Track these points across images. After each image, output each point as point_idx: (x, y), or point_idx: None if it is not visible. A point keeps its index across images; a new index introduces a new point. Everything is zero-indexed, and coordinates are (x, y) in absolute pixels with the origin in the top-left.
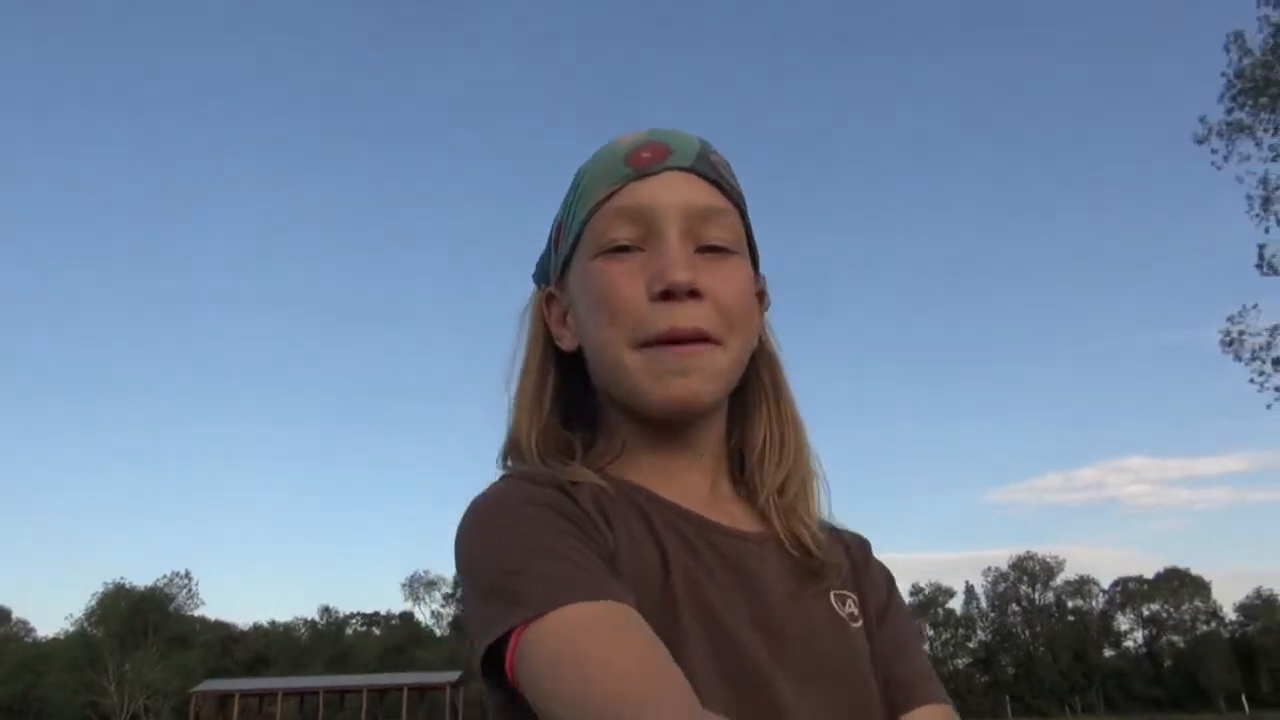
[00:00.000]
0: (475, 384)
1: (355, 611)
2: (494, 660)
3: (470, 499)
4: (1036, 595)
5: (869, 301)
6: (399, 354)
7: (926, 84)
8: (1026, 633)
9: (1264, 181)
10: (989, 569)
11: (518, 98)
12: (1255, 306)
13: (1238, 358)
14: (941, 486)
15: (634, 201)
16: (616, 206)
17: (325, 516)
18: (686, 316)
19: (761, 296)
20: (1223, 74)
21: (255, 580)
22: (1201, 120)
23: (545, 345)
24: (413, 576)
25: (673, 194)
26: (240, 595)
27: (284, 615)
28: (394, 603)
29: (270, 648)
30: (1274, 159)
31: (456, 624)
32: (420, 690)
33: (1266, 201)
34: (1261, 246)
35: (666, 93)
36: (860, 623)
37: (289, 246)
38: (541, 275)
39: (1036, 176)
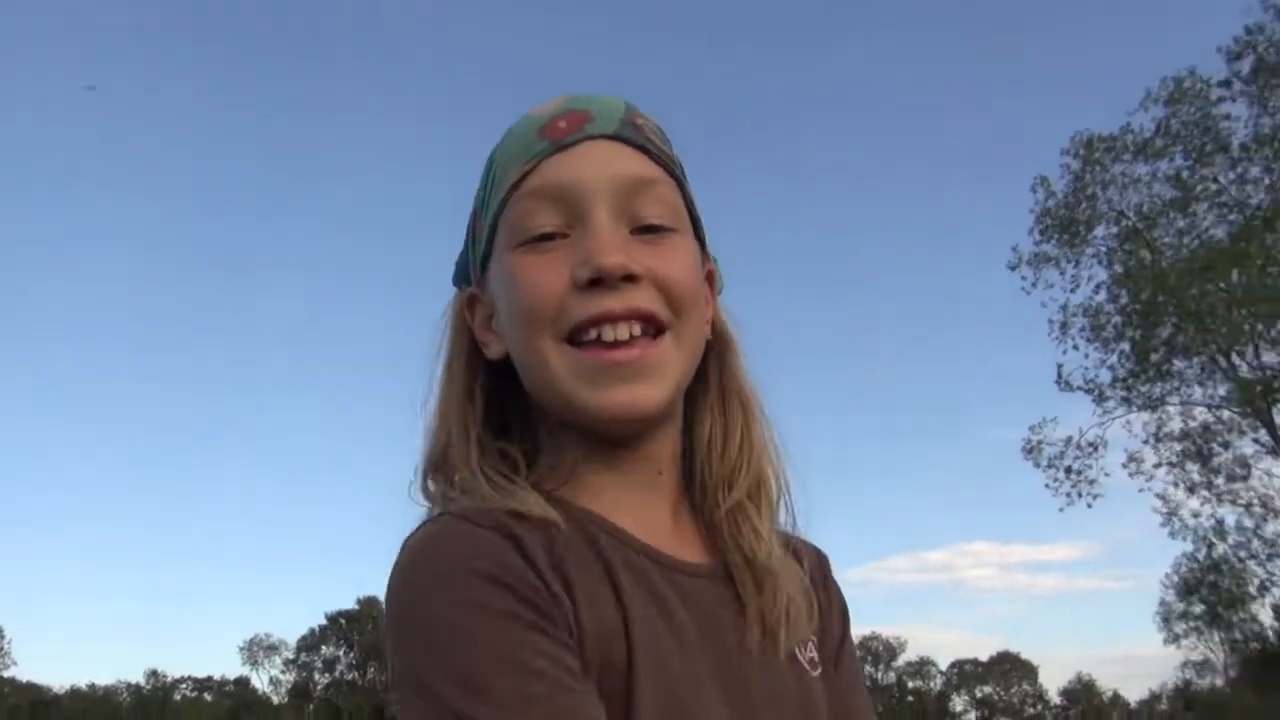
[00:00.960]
0: (330, 441)
1: (185, 675)
2: None
3: (404, 544)
4: (879, 675)
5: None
6: (239, 396)
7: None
8: None
9: (1064, 308)
10: None
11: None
12: (1054, 419)
13: (1036, 464)
14: None
15: (553, 180)
16: (533, 187)
17: (158, 574)
18: (620, 300)
19: (711, 278)
20: (1031, 210)
21: (76, 639)
22: (1014, 249)
23: (470, 353)
24: (252, 639)
25: (597, 167)
26: (58, 655)
27: (105, 678)
28: (230, 667)
29: (87, 713)
30: (1072, 290)
31: (296, 691)
32: None
33: (1064, 326)
34: (1059, 365)
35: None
36: (819, 670)
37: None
38: (461, 276)
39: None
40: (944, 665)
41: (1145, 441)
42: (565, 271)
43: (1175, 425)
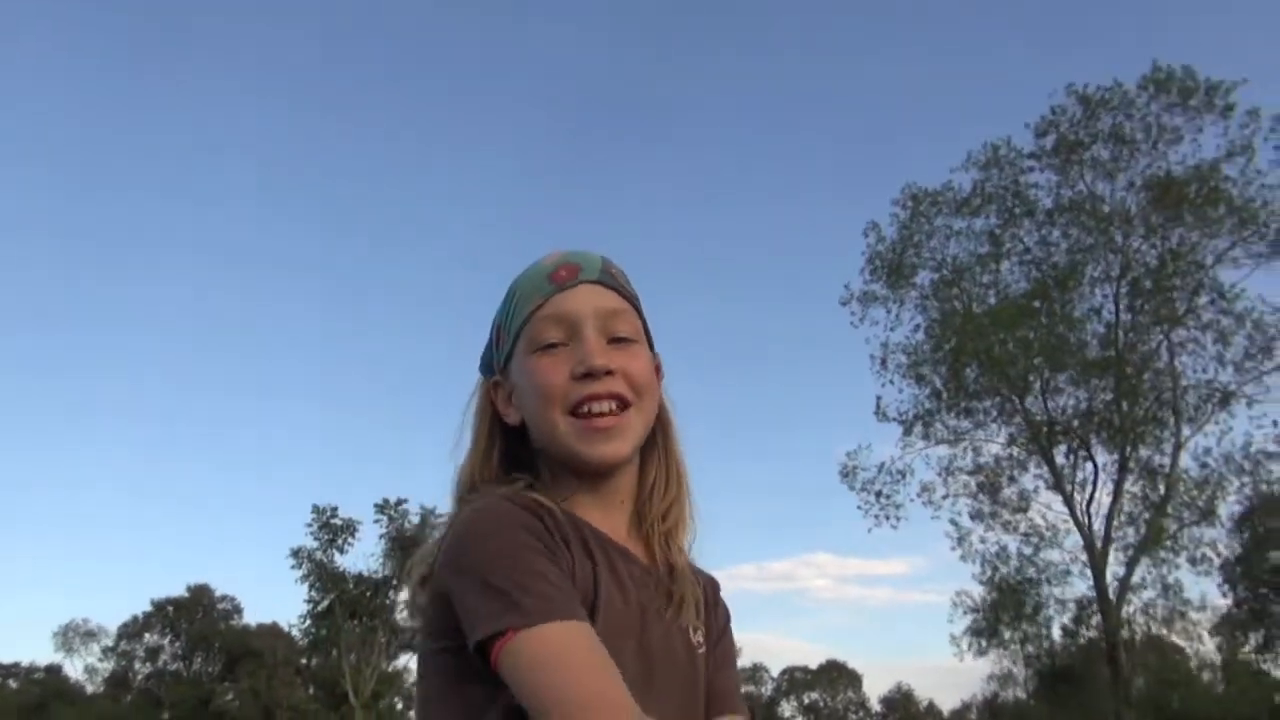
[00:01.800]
0: (167, 426)
1: None
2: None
3: (465, 511)
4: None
5: None
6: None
7: None
8: None
9: (884, 345)
10: None
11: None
12: (869, 446)
13: (851, 487)
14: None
15: (558, 310)
16: (545, 314)
17: None
18: (603, 386)
19: (658, 370)
20: (862, 253)
21: None
22: (846, 286)
23: (491, 420)
24: (67, 625)
25: (586, 302)
26: None
27: None
28: (40, 654)
29: None
30: (892, 329)
31: (114, 680)
32: None
33: (884, 361)
34: (878, 397)
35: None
36: (703, 649)
37: None
38: (485, 367)
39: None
40: (776, 672)
41: (938, 474)
42: (566, 369)
43: (968, 460)
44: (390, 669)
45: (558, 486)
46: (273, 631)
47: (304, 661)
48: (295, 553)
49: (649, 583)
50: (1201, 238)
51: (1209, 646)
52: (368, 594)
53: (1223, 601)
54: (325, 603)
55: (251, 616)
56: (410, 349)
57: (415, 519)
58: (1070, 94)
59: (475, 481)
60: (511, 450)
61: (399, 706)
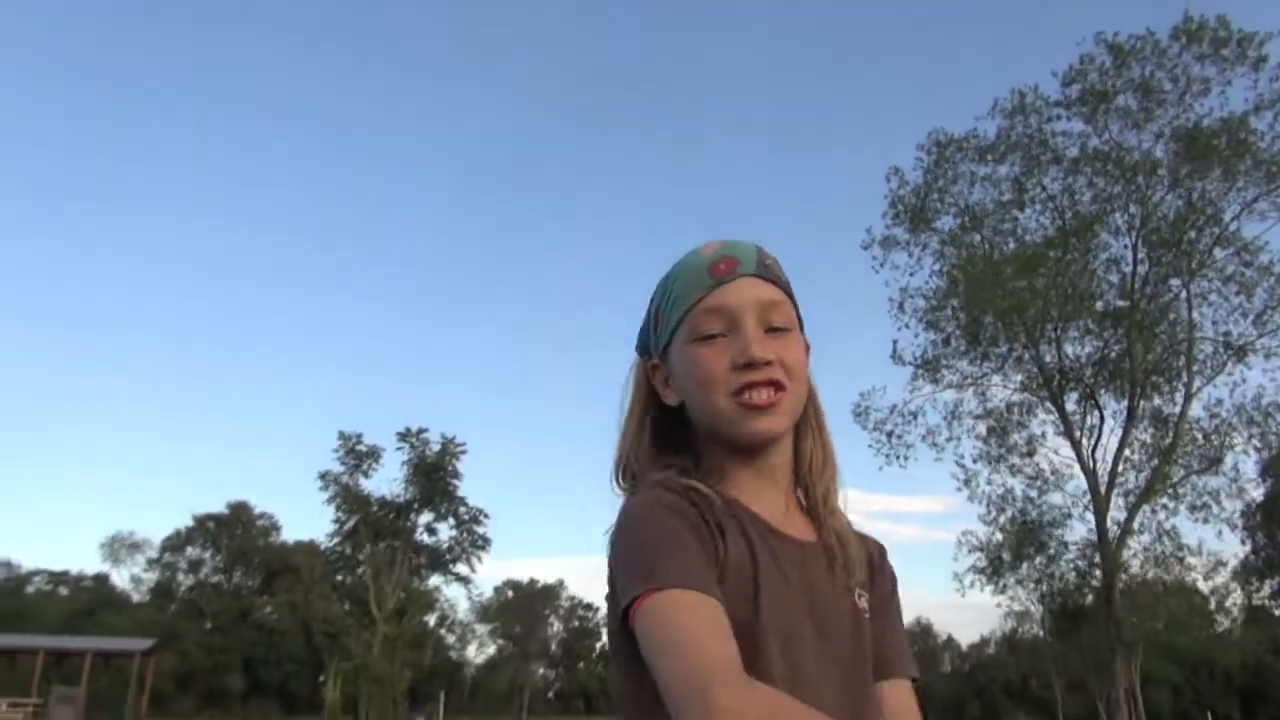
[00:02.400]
0: (213, 345)
1: (40, 568)
2: (624, 613)
3: (626, 502)
4: None
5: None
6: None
7: None
8: None
9: (903, 289)
10: None
11: None
12: (884, 388)
13: (863, 427)
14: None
15: (719, 303)
16: (706, 307)
17: (14, 464)
18: (763, 374)
19: (807, 351)
20: (885, 196)
21: None
22: (867, 231)
23: (646, 400)
24: (114, 537)
25: (746, 295)
26: None
27: None
28: (89, 563)
29: None
30: (912, 273)
31: (159, 590)
32: (105, 656)
33: (902, 305)
34: (895, 341)
35: None
36: (869, 614)
37: None
38: (642, 348)
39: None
40: None
41: (943, 418)
42: (727, 358)
43: (976, 405)
44: (416, 586)
45: (715, 465)
46: (309, 549)
47: (338, 578)
48: (323, 476)
49: (807, 557)
50: (1227, 190)
51: (1204, 590)
52: (390, 516)
53: (1222, 547)
54: (351, 523)
55: (289, 534)
56: (437, 282)
57: (436, 446)
58: (1100, 43)
59: (631, 462)
60: (667, 428)
61: (430, 623)
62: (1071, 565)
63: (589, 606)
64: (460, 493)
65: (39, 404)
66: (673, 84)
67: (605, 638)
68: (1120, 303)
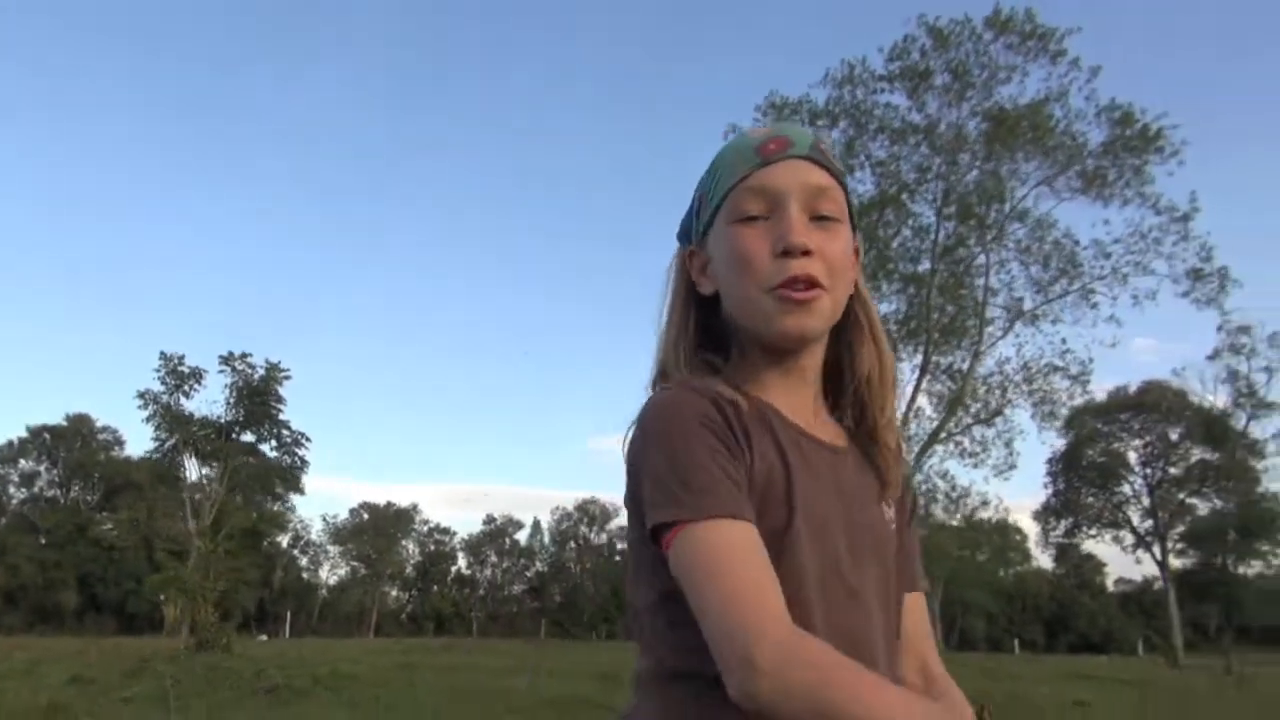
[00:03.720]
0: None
1: None
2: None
3: (648, 402)
4: (593, 535)
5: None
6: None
7: None
8: (578, 568)
9: None
10: (557, 508)
11: None
12: None
13: None
14: (559, 428)
15: (763, 183)
16: (750, 186)
17: None
18: (800, 267)
19: (857, 253)
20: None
21: None
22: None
23: (687, 291)
24: None
25: (793, 177)
26: None
27: None
28: None
29: None
30: None
31: None
32: None
33: None
34: None
35: None
36: (894, 525)
37: None
38: (684, 236)
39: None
40: None
41: None
42: (767, 243)
43: None
44: (235, 504)
45: (746, 363)
46: (154, 465)
47: (185, 497)
48: (142, 395)
49: (839, 463)
50: (1027, 169)
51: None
52: (211, 435)
53: (988, 488)
54: (171, 442)
55: (135, 449)
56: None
57: (261, 371)
58: (921, 25)
59: (667, 361)
60: (705, 322)
61: (284, 544)
62: None
63: (445, 531)
64: (284, 417)
65: None
66: (491, 33)
67: (625, 546)
68: (923, 267)
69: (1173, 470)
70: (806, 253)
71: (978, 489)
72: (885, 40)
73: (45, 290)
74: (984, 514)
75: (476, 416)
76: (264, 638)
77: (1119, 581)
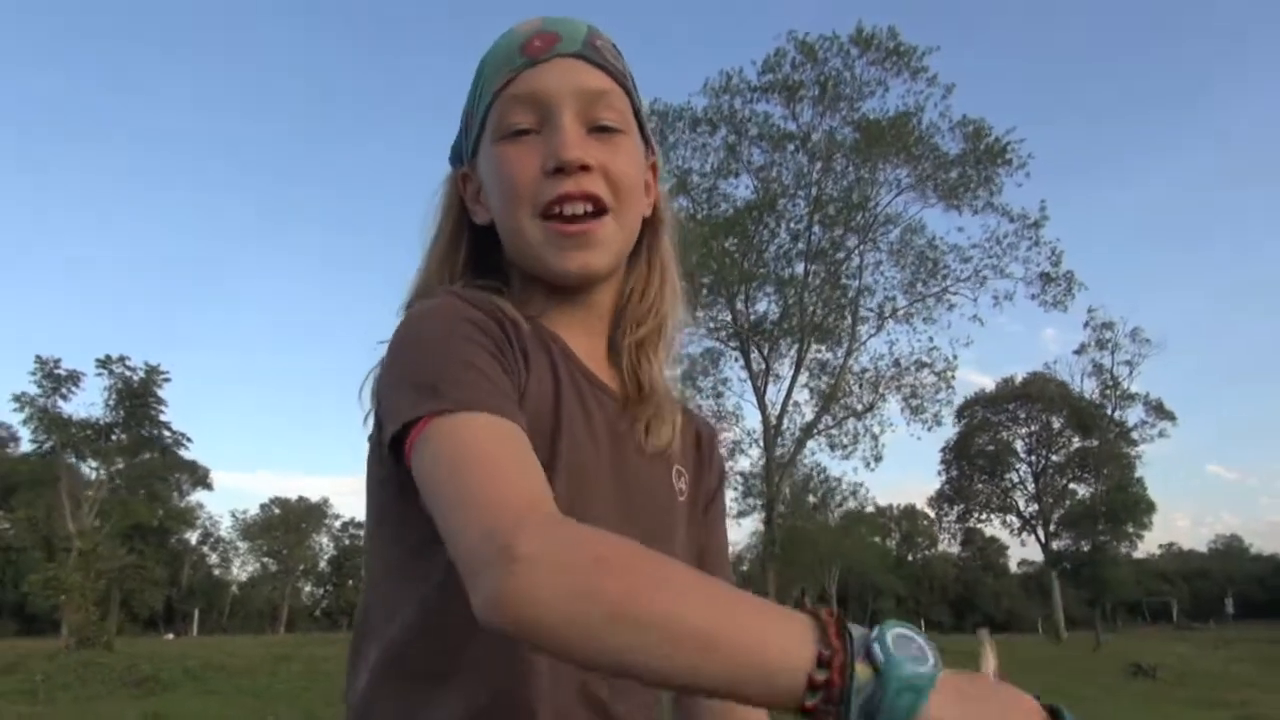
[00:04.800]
0: None
1: None
2: (395, 442)
3: (416, 308)
4: None
5: None
6: None
7: None
8: None
9: None
10: None
11: None
12: None
13: None
14: None
15: (528, 89)
16: (513, 93)
17: None
18: (576, 184)
19: (655, 169)
20: None
21: None
22: None
23: (458, 217)
24: None
25: (563, 80)
26: None
27: None
28: None
29: None
30: None
31: None
32: None
33: None
34: None
35: None
36: (684, 498)
37: None
38: (456, 158)
39: None
40: None
41: None
42: (536, 161)
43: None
44: (132, 502)
45: (528, 300)
46: (55, 464)
47: (89, 494)
48: (17, 398)
49: (624, 416)
50: (891, 175)
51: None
52: (91, 437)
53: (862, 476)
54: (49, 444)
55: (29, 441)
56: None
57: (141, 374)
58: (791, 40)
59: (429, 280)
60: (480, 256)
61: (193, 540)
62: (744, 493)
63: (359, 525)
64: (164, 418)
65: None
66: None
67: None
68: (797, 268)
69: (1054, 458)
70: (584, 168)
71: (848, 480)
72: (759, 53)
73: None
74: (851, 504)
75: None
76: (170, 636)
77: (1022, 564)
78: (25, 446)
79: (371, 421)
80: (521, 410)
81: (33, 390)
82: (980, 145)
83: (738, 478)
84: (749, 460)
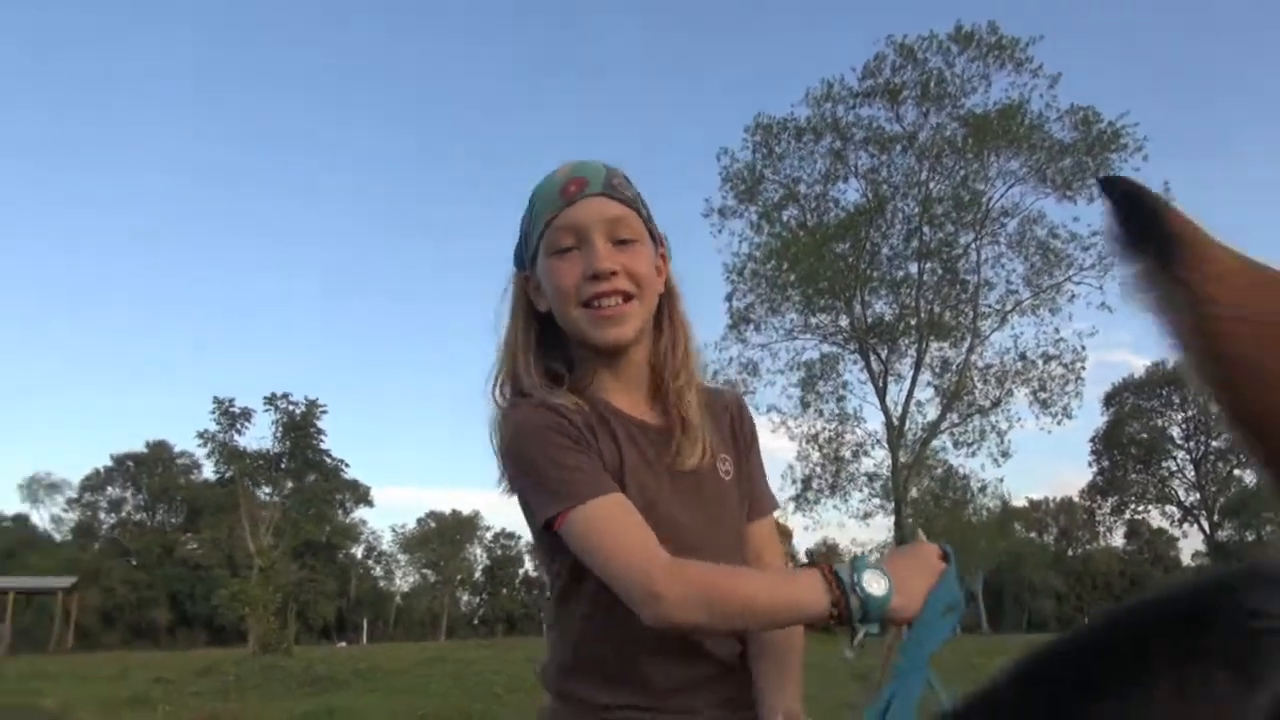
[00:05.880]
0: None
1: None
2: (545, 526)
3: (505, 419)
4: None
5: None
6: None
7: None
8: None
9: (735, 254)
10: None
11: None
12: (724, 338)
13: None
14: None
15: (569, 221)
16: (559, 225)
17: None
18: (609, 286)
19: (665, 259)
20: (718, 174)
21: None
22: (706, 200)
23: (526, 307)
24: (31, 478)
25: (592, 213)
26: None
27: None
28: (6, 504)
29: None
30: (743, 241)
31: (80, 530)
32: (28, 594)
33: (741, 271)
34: (729, 297)
35: None
36: (730, 477)
37: None
38: (519, 261)
39: None
40: None
41: (751, 371)
42: (579, 270)
43: (788, 357)
44: (301, 521)
45: (585, 367)
46: (234, 491)
47: (264, 514)
48: (201, 435)
49: (666, 442)
50: (1004, 168)
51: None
52: (263, 465)
53: (992, 473)
54: (230, 473)
55: (211, 471)
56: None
57: (302, 408)
58: (890, 44)
59: (518, 372)
60: (546, 333)
61: (358, 555)
62: (870, 494)
63: (510, 535)
64: (324, 445)
65: None
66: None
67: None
68: (914, 266)
69: (1215, 443)
70: (613, 273)
71: (975, 475)
72: (859, 59)
73: (115, 328)
74: (983, 500)
75: None
76: (343, 644)
77: (1196, 555)
78: (205, 473)
79: (515, 491)
80: (605, 469)
81: (212, 427)
82: (1091, 132)
83: (863, 478)
84: (872, 461)
